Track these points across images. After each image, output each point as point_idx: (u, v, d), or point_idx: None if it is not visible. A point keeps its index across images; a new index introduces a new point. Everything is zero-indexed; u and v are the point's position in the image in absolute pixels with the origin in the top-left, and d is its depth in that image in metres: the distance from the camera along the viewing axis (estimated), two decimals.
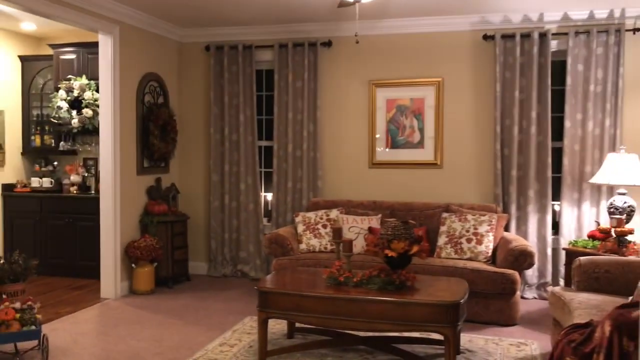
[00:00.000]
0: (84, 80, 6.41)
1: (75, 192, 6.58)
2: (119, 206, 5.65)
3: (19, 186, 6.77)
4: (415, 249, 3.76)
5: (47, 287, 6.02)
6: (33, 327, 3.77)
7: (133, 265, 5.73)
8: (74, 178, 6.67)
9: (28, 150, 6.93)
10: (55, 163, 6.93)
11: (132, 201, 5.87)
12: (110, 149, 5.59)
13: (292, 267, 5.11)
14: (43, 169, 6.87)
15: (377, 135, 6.18)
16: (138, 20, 5.87)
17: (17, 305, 3.81)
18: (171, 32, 6.46)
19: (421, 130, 6.06)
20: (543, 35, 5.63)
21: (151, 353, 4.12)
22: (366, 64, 6.18)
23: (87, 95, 6.36)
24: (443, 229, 5.34)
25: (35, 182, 6.75)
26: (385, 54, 6.12)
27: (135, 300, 5.54)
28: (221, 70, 6.50)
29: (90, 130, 6.44)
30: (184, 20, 6.19)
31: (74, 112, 6.41)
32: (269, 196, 6.58)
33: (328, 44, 6.23)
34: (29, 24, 6.44)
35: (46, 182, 6.73)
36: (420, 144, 6.07)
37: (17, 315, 3.75)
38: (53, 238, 6.51)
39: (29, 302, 3.88)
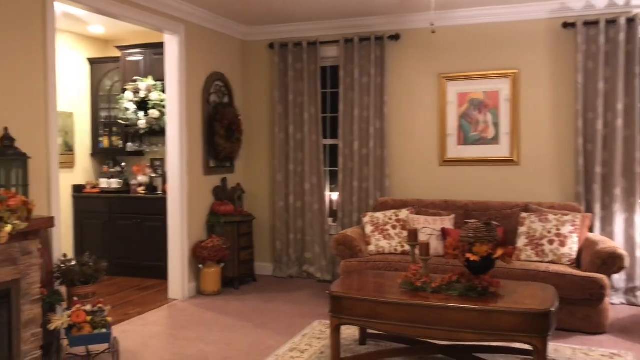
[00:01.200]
0: (150, 81, 6.43)
1: (142, 192, 6.62)
2: (186, 206, 5.61)
3: (88, 187, 6.87)
4: (499, 252, 3.49)
5: (116, 287, 6.06)
6: (104, 330, 3.74)
7: (200, 265, 5.68)
8: (141, 179, 6.71)
9: (97, 152, 7.02)
10: (123, 164, 7.00)
11: (198, 201, 5.83)
12: (177, 149, 5.56)
13: (361, 269, 4.93)
14: (111, 170, 6.95)
15: (448, 132, 5.91)
16: (203, 19, 5.82)
17: (88, 307, 3.79)
18: (235, 30, 6.38)
19: (496, 125, 5.75)
20: (631, 21, 5.21)
21: (220, 357, 4.02)
22: (436, 56, 5.91)
23: (154, 96, 6.37)
24: (522, 229, 5.02)
25: (103, 182, 6.82)
26: (456, 46, 5.84)
27: (202, 302, 5.48)
28: (285, 68, 6.38)
29: (156, 131, 6.45)
30: (248, 18, 6.10)
31: (141, 113, 6.44)
32: (334, 196, 6.41)
33: (396, 37, 5.99)
34: (98, 26, 6.51)
35: (114, 183, 6.79)
36: (495, 140, 5.75)
37: (89, 318, 3.72)
38: (121, 238, 6.56)
39: (100, 305, 3.85)
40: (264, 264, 6.59)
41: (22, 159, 3.64)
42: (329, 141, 6.45)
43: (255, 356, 4.03)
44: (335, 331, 3.68)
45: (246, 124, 6.55)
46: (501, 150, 5.73)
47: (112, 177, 6.87)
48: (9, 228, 3.20)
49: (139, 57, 6.60)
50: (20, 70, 3.88)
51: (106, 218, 6.65)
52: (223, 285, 5.82)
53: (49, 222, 3.70)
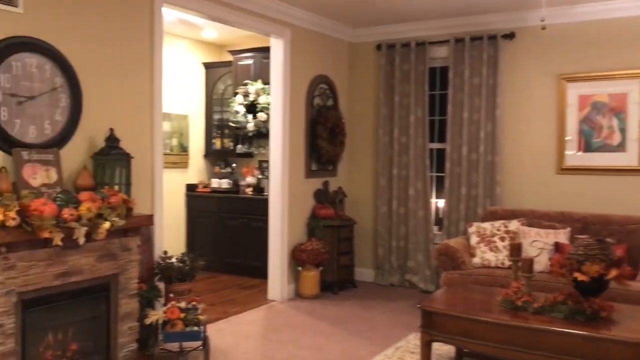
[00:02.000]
0: (259, 84, 6.54)
1: (250, 193, 6.75)
2: (286, 209, 5.63)
3: (200, 186, 7.14)
4: (613, 273, 3.10)
5: (220, 284, 6.22)
6: (195, 328, 3.80)
7: (299, 268, 5.67)
8: (250, 180, 6.85)
9: (209, 153, 7.29)
10: (234, 165, 7.19)
11: (299, 204, 5.83)
12: (279, 152, 5.59)
13: (464, 283, 4.64)
14: (222, 170, 7.17)
15: (568, 137, 5.42)
16: (309, 22, 5.82)
17: (183, 304, 3.87)
18: (342, 32, 6.32)
19: (622, 131, 5.19)
20: None
21: None
22: (555, 56, 5.45)
23: (262, 99, 6.48)
24: None
25: (215, 183, 7.06)
26: (577, 44, 5.35)
27: (300, 304, 5.47)
28: (392, 70, 6.22)
29: (264, 134, 6.54)
30: (355, 19, 6.01)
31: (250, 116, 6.58)
32: (440, 203, 6.13)
33: (510, 35, 5.62)
34: (211, 31, 6.75)
35: (225, 183, 6.99)
36: (620, 147, 5.20)
37: (182, 315, 3.80)
38: (228, 237, 6.73)
39: (194, 303, 3.93)
40: (365, 270, 6.46)
41: (125, 158, 3.80)
42: (435, 145, 6.19)
43: None
44: (426, 347, 3.48)
45: (350, 127, 6.47)
46: (628, 158, 5.16)
47: (222, 177, 7.09)
48: (107, 225, 3.35)
49: (250, 61, 6.75)
50: (127, 74, 4.07)
51: (216, 217, 6.87)
52: (322, 289, 5.77)
53: (148, 220, 3.84)
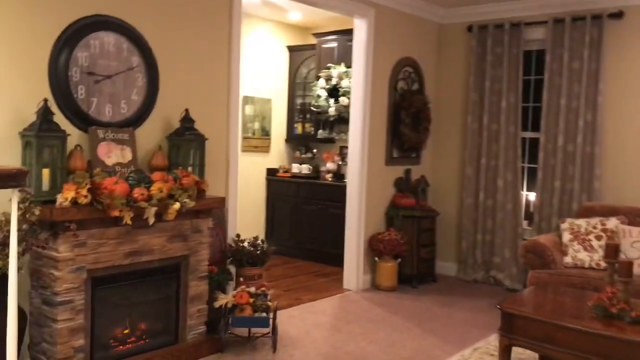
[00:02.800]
0: (341, 68, 6.37)
1: (329, 179, 6.63)
2: (364, 196, 5.45)
3: (281, 171, 7.10)
4: None
5: (296, 270, 6.15)
6: (264, 314, 3.73)
7: (376, 258, 5.48)
8: (330, 166, 6.73)
9: (291, 137, 7.22)
10: (315, 150, 7.09)
11: (378, 192, 5.63)
12: (359, 137, 5.41)
13: (553, 283, 4.28)
14: (303, 155, 7.09)
15: None
16: (395, 2, 5.56)
17: (252, 289, 3.82)
18: (431, 12, 6.01)
19: None
20: None
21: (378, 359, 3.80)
22: None
23: (345, 83, 6.31)
24: None
25: (295, 168, 6.99)
26: None
27: (375, 296, 5.29)
28: (483, 53, 5.84)
29: (346, 119, 6.34)
30: None
31: (332, 101, 6.43)
32: (532, 196, 5.72)
33: (618, 15, 5.10)
34: (296, 13, 6.64)
35: (304, 169, 6.91)
36: None
37: (251, 300, 3.75)
38: (306, 223, 6.65)
39: (263, 288, 3.86)
40: (447, 263, 6.16)
41: (200, 140, 3.77)
42: (528, 134, 5.78)
43: None
44: (505, 352, 3.20)
45: (436, 113, 6.16)
46: None
47: (303, 162, 7.00)
48: (177, 205, 3.33)
49: (334, 44, 6.59)
50: (205, 55, 4.03)
51: (295, 202, 6.81)
52: (400, 282, 5.54)
53: (220, 202, 3.80)
